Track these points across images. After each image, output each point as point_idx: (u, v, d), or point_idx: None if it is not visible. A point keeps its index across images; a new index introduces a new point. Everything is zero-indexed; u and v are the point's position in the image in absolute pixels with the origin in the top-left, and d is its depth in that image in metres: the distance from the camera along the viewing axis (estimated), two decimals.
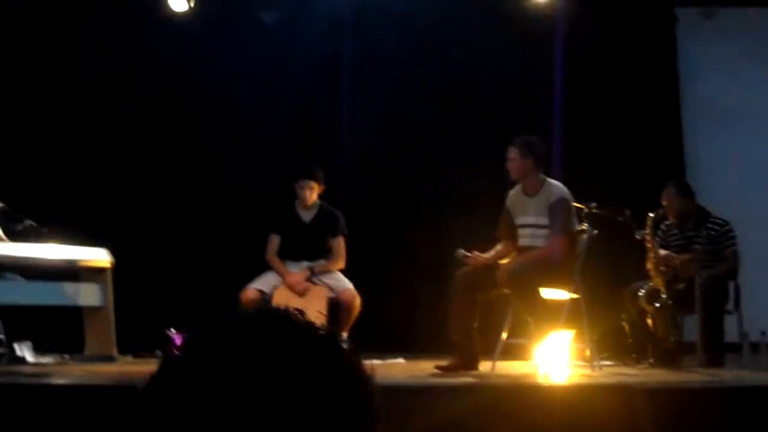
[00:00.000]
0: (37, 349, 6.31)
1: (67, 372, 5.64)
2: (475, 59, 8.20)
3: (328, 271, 6.44)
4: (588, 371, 5.47)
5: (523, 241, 5.75)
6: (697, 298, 5.94)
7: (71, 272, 6.45)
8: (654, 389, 4.56)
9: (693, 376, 5.45)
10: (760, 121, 8.18)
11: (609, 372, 5.49)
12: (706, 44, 8.40)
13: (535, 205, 5.72)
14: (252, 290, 6.26)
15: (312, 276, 6.39)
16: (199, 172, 8.13)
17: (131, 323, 6.48)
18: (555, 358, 5.60)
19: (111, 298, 6.51)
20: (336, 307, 6.24)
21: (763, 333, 6.21)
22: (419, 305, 7.56)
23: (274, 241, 6.51)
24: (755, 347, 6.25)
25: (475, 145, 7.92)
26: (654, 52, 8.32)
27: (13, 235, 6.50)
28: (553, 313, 5.58)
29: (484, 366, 5.46)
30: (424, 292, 7.50)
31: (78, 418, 4.08)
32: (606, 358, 5.95)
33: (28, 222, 6.58)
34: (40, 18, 8.15)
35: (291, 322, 0.82)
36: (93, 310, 6.50)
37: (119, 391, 4.25)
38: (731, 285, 6.18)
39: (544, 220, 5.67)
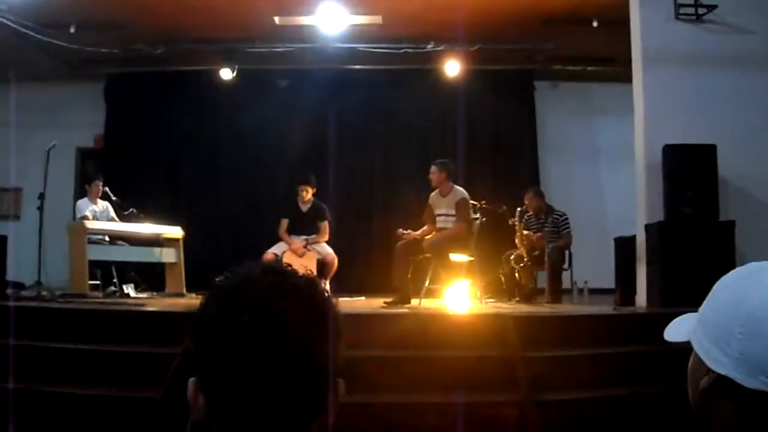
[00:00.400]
0: (137, 288, 6.46)
1: (155, 303, 5.58)
2: (410, 113, 8.34)
3: (317, 242, 6.34)
4: (478, 305, 5.45)
5: (439, 224, 5.68)
6: (546, 261, 6.00)
7: (157, 241, 6.59)
8: (519, 316, 4.44)
9: (542, 308, 5.41)
10: (582, 154, 8.38)
11: (491, 306, 5.45)
12: (552, 104, 8.52)
13: (447, 202, 5.68)
14: (270, 254, 6.18)
15: (307, 245, 6.29)
16: (236, 181, 8.33)
17: (194, 273, 6.42)
18: (458, 297, 5.69)
19: (182, 257, 6.65)
20: (322, 265, 6.15)
21: (585, 282, 6.39)
22: (374, 264, 7.35)
23: (284, 223, 6.42)
24: (580, 291, 6.44)
25: (410, 165, 8.06)
26: (520, 108, 8.48)
27: (123, 218, 6.70)
28: (457, 269, 5.61)
29: (415, 302, 5.41)
30: (377, 256, 7.26)
31: (162, 332, 4.08)
32: (489, 298, 5.91)
33: (132, 209, 6.70)
34: (145, 90, 8.44)
35: (289, 271, 0.80)
36: (171, 264, 6.65)
37: (187, 315, 4.16)
38: (567, 253, 6.20)
39: (452, 212, 5.63)
